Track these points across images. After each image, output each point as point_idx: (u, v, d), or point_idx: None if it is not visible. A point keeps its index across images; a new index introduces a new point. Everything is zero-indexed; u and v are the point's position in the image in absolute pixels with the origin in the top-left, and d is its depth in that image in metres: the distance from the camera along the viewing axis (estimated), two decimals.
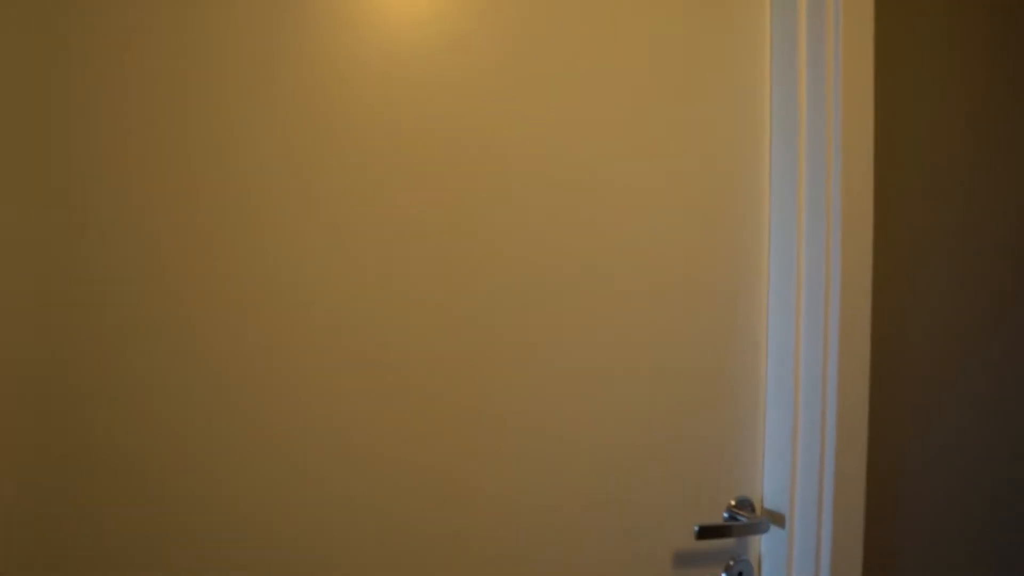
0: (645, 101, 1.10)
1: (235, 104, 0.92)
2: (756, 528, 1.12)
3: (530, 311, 1.04)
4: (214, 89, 0.91)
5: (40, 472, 0.86)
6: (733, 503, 1.15)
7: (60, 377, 0.86)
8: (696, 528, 1.07)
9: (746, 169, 1.16)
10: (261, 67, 0.93)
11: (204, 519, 0.91)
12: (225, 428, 0.92)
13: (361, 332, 0.97)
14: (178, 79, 0.90)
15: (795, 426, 1.14)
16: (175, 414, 0.90)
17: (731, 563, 1.15)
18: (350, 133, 0.96)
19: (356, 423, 0.97)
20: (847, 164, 1.09)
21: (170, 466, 0.90)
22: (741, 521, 1.12)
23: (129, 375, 0.88)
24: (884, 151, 1.19)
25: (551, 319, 1.05)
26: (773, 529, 1.15)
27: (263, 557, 0.93)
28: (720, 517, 1.15)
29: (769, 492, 1.17)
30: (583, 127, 1.07)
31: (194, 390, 0.91)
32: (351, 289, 0.97)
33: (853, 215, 1.09)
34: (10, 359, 0.85)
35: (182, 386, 0.90)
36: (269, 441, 0.94)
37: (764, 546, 1.17)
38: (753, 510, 1.17)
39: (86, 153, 0.87)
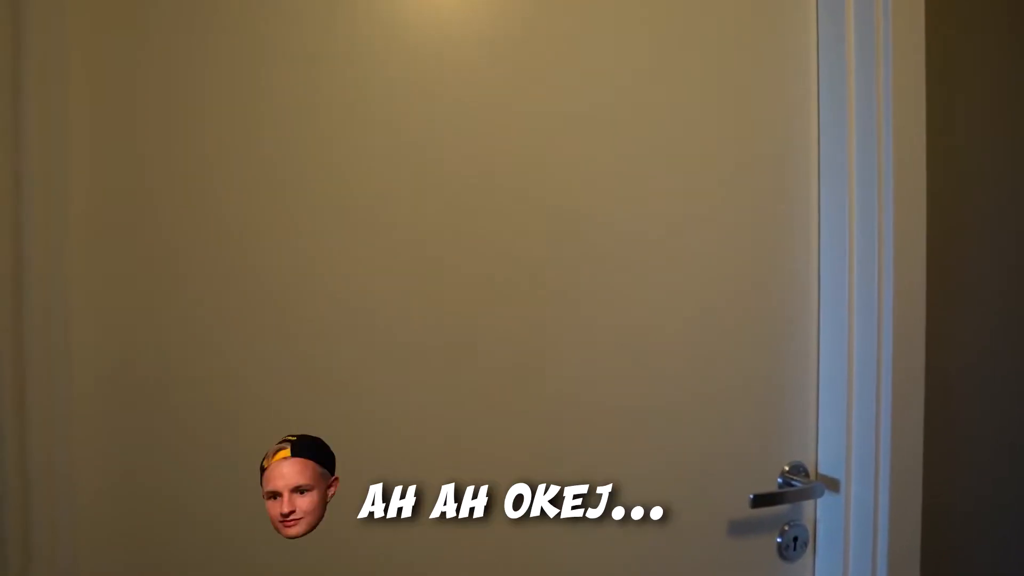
0: (688, 85, 1.07)
1: (276, 105, 0.90)
2: (810, 493, 1.11)
3: (584, 283, 1.03)
4: (239, 89, 0.90)
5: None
6: (787, 468, 1.14)
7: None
8: (751, 496, 1.07)
9: (794, 131, 1.13)
10: (282, 67, 0.91)
11: None
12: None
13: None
14: (193, 78, 0.88)
15: (849, 388, 1.12)
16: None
17: (786, 528, 1.15)
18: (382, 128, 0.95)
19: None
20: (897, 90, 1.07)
21: None
22: (795, 487, 1.12)
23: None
24: (936, 99, 1.15)
25: (604, 286, 1.04)
26: (828, 493, 1.14)
27: None
28: (774, 483, 1.14)
29: (824, 456, 1.16)
30: (627, 115, 1.04)
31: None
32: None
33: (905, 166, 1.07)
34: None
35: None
36: None
37: (819, 511, 1.17)
38: (807, 475, 1.16)
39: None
